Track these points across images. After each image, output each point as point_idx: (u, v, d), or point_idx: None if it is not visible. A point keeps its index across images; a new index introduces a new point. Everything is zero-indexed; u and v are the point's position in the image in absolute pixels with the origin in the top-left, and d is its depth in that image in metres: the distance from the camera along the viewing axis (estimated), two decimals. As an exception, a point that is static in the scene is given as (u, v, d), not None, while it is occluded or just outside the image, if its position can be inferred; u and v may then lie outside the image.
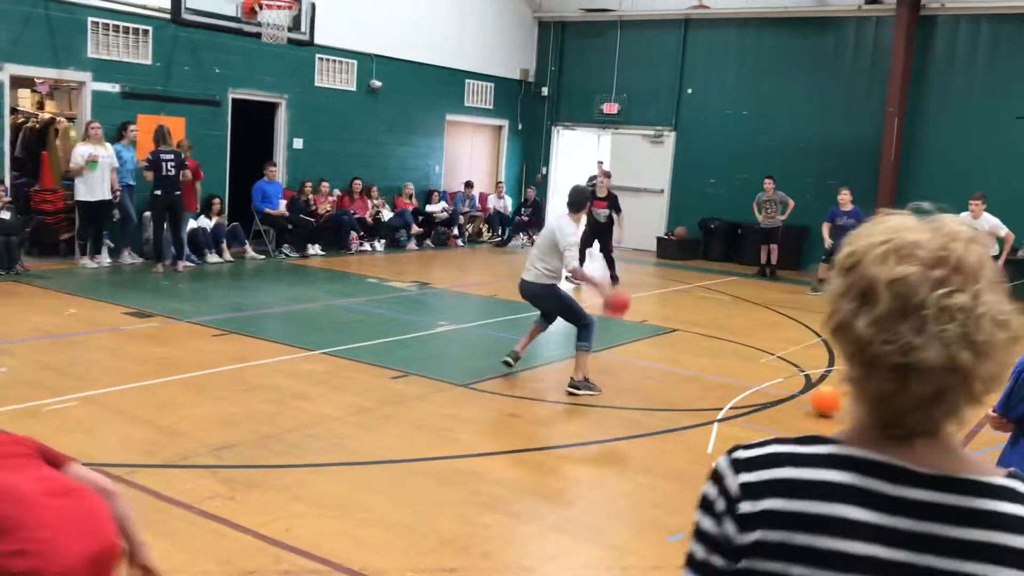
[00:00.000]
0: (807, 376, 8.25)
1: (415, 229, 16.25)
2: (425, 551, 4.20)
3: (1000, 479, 1.13)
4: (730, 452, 1.23)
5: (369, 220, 15.58)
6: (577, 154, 21.24)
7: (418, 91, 16.98)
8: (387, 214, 16.07)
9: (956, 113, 15.28)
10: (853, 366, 1.14)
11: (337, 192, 15.38)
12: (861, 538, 1.10)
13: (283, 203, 14.05)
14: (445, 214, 17.10)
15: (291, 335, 8.61)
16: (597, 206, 13.24)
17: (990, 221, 11.56)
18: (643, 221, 18.18)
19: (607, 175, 14.52)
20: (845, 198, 13.38)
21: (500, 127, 19.51)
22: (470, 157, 19.12)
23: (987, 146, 14.95)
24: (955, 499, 1.11)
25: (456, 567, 4.06)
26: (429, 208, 16.88)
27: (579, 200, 7.64)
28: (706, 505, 1.21)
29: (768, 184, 15.18)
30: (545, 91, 19.47)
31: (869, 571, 1.09)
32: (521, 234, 17.97)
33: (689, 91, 17.96)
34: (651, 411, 6.83)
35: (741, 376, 8.06)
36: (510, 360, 7.52)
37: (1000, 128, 14.84)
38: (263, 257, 13.74)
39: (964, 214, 11.38)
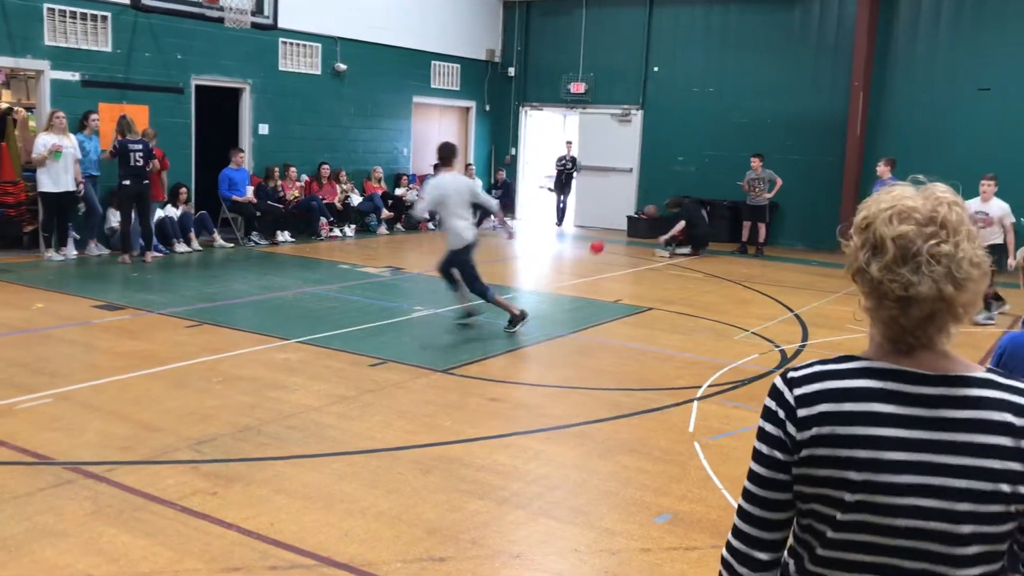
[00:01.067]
0: (782, 351, 8.31)
1: (385, 213, 16.14)
2: (413, 541, 4.17)
3: (982, 373, 1.53)
4: (784, 373, 1.60)
5: (338, 205, 15.45)
6: (546, 133, 21.25)
7: (384, 73, 16.83)
8: (356, 199, 15.94)
9: (920, 86, 15.42)
10: (869, 299, 1.52)
11: (305, 177, 15.23)
12: (888, 425, 1.49)
13: (250, 190, 13.88)
14: (415, 197, 16.97)
15: (265, 324, 8.52)
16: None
17: (1001, 207, 10.32)
18: (613, 200, 18.23)
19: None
20: (883, 169, 12.58)
21: (467, 108, 19.39)
22: (438, 139, 18.87)
23: (951, 117, 15.11)
24: (953, 391, 1.50)
25: (445, 556, 4.04)
26: (398, 192, 16.77)
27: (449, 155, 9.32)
28: (768, 414, 1.59)
29: (756, 163, 15.23)
30: (512, 71, 19.36)
31: (896, 448, 1.49)
32: (492, 216, 17.89)
33: (656, 69, 17.95)
34: (630, 391, 6.84)
35: (717, 353, 8.10)
36: (518, 320, 8.44)
37: (963, 99, 15.00)
38: (232, 245, 13.58)
39: (973, 201, 10.31)
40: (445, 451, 5.37)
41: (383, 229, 16.06)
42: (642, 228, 17.34)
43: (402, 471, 5.02)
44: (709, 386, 7.03)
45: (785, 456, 1.55)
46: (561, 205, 18.95)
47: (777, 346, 8.52)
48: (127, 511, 4.37)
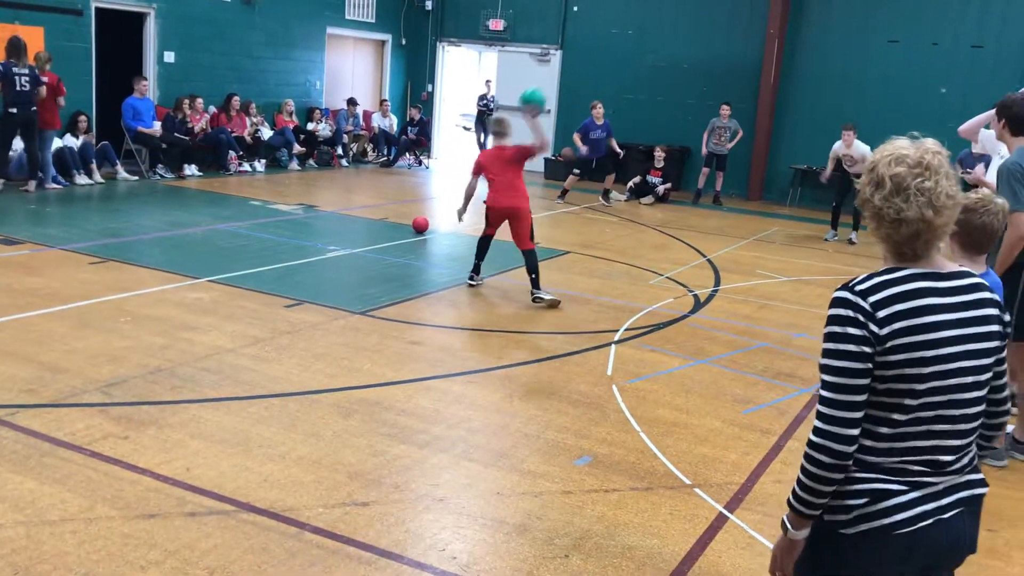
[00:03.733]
0: (696, 296, 8.46)
1: (297, 148, 15.71)
2: (335, 486, 4.13)
3: (962, 268, 2.12)
4: (850, 287, 2.05)
5: (248, 139, 14.95)
6: (463, 71, 20.91)
7: (296, 2, 16.24)
8: (267, 132, 15.45)
9: (833, 36, 15.67)
10: (873, 222, 2.08)
11: (213, 109, 14.66)
12: (940, 312, 2.02)
13: (158, 124, 13.28)
14: (328, 133, 16.56)
15: (174, 262, 8.23)
16: None
17: (861, 150, 11.92)
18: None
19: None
20: (598, 112, 14.23)
21: (383, 42, 18.90)
22: (352, 73, 18.50)
23: (861, 68, 15.44)
24: (961, 281, 2.08)
25: (368, 500, 4.02)
26: (311, 126, 16.32)
27: None
28: (847, 321, 2.02)
29: (725, 110, 15.09)
30: (429, 5, 18.91)
31: (950, 327, 2.02)
32: (408, 154, 17.63)
33: (575, 9, 17.77)
34: (550, 335, 6.88)
35: (633, 297, 8.20)
36: None
37: (873, 51, 15.33)
38: (136, 178, 13.04)
39: (837, 143, 12.26)
40: (365, 394, 5.32)
41: (295, 165, 15.64)
42: (559, 171, 17.31)
43: (322, 415, 4.95)
44: (626, 330, 7.12)
45: (870, 349, 2.00)
46: (483, 144, 18.81)
47: (691, 290, 8.67)
48: (33, 456, 4.20)
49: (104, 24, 13.15)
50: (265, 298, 7.23)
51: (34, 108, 10.96)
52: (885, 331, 1.99)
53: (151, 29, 13.83)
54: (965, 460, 2.13)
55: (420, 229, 10.72)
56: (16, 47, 10.82)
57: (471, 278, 8.29)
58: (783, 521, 2.19)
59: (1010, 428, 5.19)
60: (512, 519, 3.97)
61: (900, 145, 2.05)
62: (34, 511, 3.71)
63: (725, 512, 4.19)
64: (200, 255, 8.66)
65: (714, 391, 5.88)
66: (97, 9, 12.94)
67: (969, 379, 2.05)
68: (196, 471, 4.17)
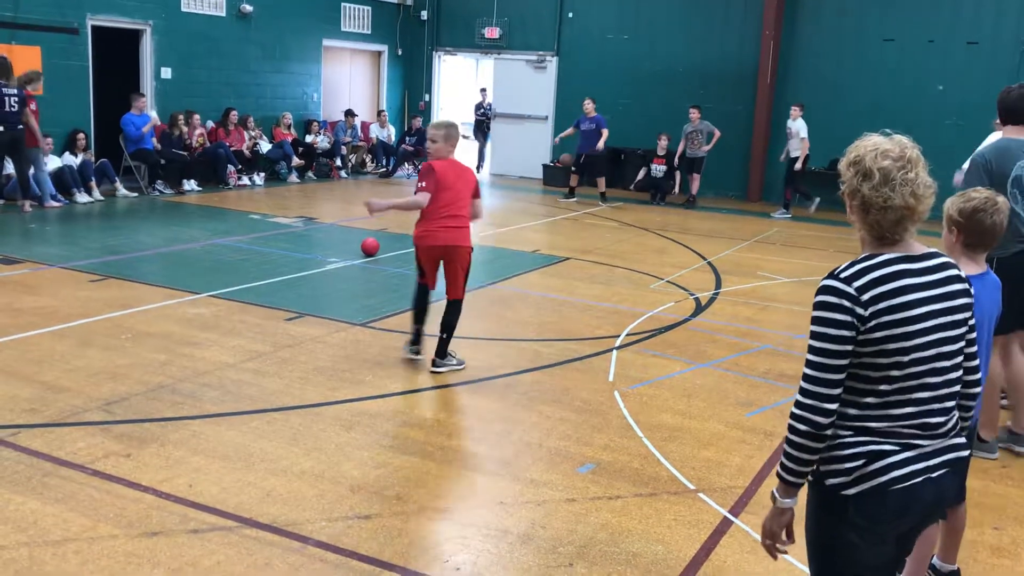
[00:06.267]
0: (696, 299, 8.45)
1: (296, 161, 15.73)
2: (337, 499, 4.12)
3: (932, 249, 2.35)
4: (835, 275, 2.26)
5: (246, 152, 14.97)
6: (460, 79, 20.97)
7: (292, 15, 16.28)
8: (265, 146, 15.47)
9: (829, 36, 15.69)
10: (859, 210, 2.29)
11: (210, 123, 14.69)
12: (916, 291, 2.24)
13: (154, 115, 13.38)
14: (327, 144, 16.58)
15: (174, 278, 8.24)
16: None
17: (799, 126, 14.04)
18: (528, 148, 18.15)
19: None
20: (589, 107, 15.06)
21: (379, 53, 18.95)
22: (349, 85, 18.54)
23: (857, 68, 15.44)
24: (932, 262, 2.31)
25: (371, 513, 4.01)
26: (309, 138, 16.34)
27: None
28: (832, 307, 2.23)
29: (694, 114, 15.21)
30: (424, 15, 18.96)
31: (924, 304, 2.24)
32: (407, 164, 17.65)
33: (570, 15, 17.80)
34: (551, 342, 6.87)
35: (634, 302, 8.19)
36: None
37: (869, 50, 15.33)
38: (135, 195, 13.06)
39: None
40: (367, 406, 5.31)
41: (294, 177, 15.66)
42: (558, 176, 17.33)
43: (324, 428, 4.94)
44: (627, 335, 7.11)
45: (852, 332, 2.22)
46: (483, 152, 19.03)
47: (692, 294, 8.66)
48: (35, 477, 4.19)
49: (100, 42, 13.19)
50: (266, 312, 7.22)
51: (21, 127, 10.95)
52: (869, 311, 2.20)
53: (147, 46, 13.87)
54: (950, 424, 2.33)
55: (370, 252, 9.59)
56: (3, 66, 10.82)
57: (411, 349, 6.19)
58: (772, 493, 2.38)
59: (1009, 422, 5.18)
60: (516, 528, 3.96)
61: (879, 141, 2.29)
62: (36, 531, 3.71)
63: (730, 516, 4.18)
64: (200, 270, 8.66)
65: (717, 395, 5.86)
66: (93, 27, 12.97)
67: (945, 348, 2.27)
68: (198, 487, 4.17)
